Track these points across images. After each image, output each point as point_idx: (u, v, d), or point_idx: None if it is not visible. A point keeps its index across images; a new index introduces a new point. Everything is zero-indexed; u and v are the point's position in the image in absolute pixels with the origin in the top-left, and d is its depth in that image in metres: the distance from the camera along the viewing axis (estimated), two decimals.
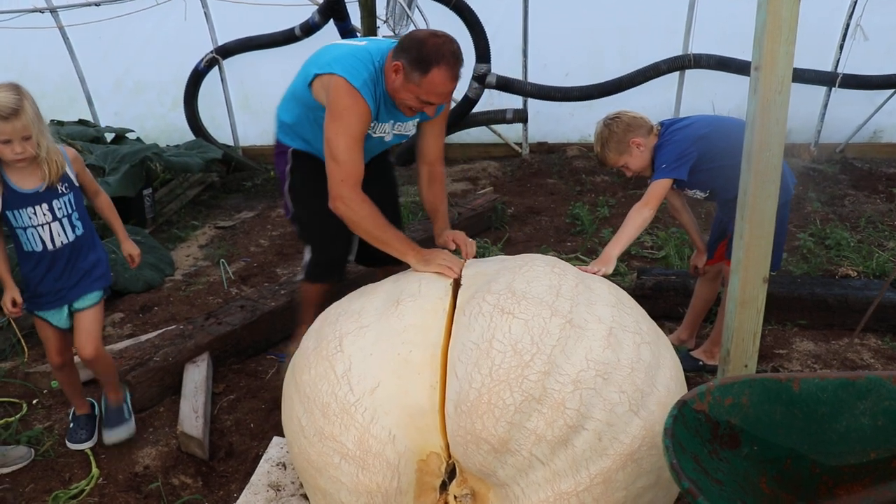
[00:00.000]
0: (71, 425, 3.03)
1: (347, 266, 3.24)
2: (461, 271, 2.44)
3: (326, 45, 2.84)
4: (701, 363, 3.32)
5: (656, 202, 2.87)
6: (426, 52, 2.51)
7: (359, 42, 2.76)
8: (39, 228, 2.66)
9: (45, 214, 2.66)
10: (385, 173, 3.25)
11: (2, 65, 6.75)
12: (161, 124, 7.01)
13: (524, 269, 2.24)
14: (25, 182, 2.62)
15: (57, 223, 2.69)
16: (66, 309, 2.80)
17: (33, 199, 2.64)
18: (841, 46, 6.16)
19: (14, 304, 2.68)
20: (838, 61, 6.27)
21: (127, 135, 6.30)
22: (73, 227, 2.74)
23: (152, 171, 5.22)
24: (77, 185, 2.77)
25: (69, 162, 2.74)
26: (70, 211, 2.72)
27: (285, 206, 3.12)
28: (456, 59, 2.54)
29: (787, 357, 3.46)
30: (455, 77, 2.57)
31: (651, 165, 3.03)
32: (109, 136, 6.24)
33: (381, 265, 3.23)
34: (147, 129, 6.87)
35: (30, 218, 2.64)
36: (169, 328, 3.55)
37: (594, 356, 1.98)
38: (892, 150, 6.68)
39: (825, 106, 6.52)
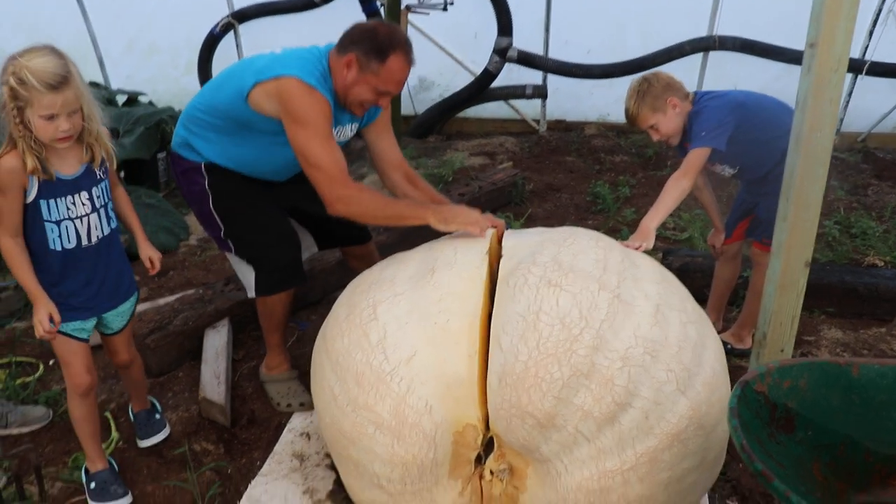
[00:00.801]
0: (92, 486, 2.46)
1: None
2: (491, 233, 2.38)
3: (245, 58, 2.62)
4: (729, 346, 3.26)
5: (695, 172, 2.77)
6: (381, 40, 2.41)
7: (283, 49, 2.56)
8: (77, 221, 2.24)
9: (84, 204, 2.24)
10: None
11: (12, 24, 6.62)
12: (174, 88, 6.88)
13: (569, 241, 2.17)
14: (63, 165, 2.19)
15: (95, 214, 2.28)
16: (94, 320, 2.41)
17: (73, 185, 2.22)
18: (871, 33, 6.06)
19: (51, 320, 2.21)
20: (866, 48, 6.17)
21: (139, 98, 6.20)
22: (108, 218, 2.34)
23: (167, 134, 5.12)
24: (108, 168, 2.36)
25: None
26: (107, 200, 2.33)
27: (211, 226, 2.79)
28: (409, 44, 2.46)
29: (816, 344, 3.41)
30: (410, 63, 2.47)
31: (680, 133, 2.94)
32: (121, 99, 6.14)
33: (342, 245, 3.13)
34: (159, 92, 6.75)
35: (68, 209, 2.21)
36: (187, 292, 3.49)
37: (642, 333, 1.92)
38: None
39: (850, 94, 6.43)
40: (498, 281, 2.11)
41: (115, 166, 2.39)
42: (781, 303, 2.65)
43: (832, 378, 1.77)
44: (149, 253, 2.53)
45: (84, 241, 2.27)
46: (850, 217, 4.80)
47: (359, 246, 3.09)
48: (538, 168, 5.76)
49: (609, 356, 1.86)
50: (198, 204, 2.76)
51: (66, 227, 2.23)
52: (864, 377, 1.78)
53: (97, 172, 2.28)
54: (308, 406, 2.83)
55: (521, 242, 2.26)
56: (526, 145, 6.30)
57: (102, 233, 2.32)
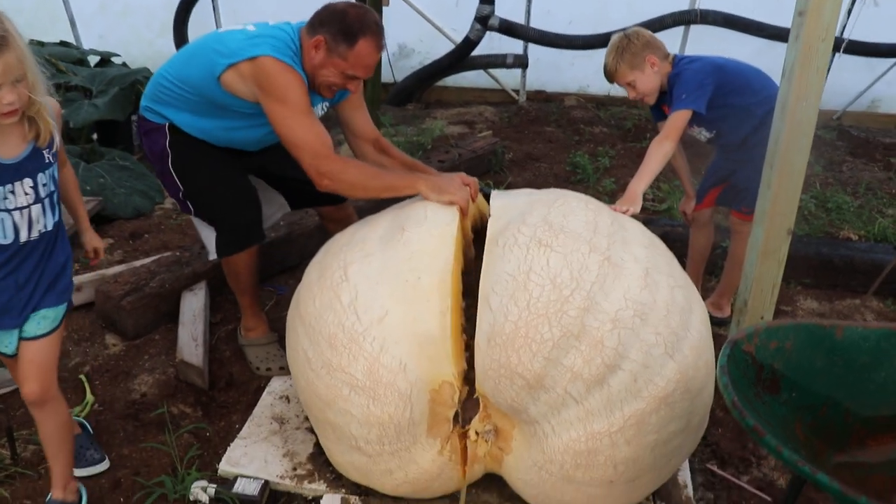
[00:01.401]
0: None
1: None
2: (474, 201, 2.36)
3: (213, 32, 2.56)
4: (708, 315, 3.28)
5: (676, 134, 2.76)
6: (350, 23, 2.36)
7: (255, 26, 2.49)
8: (16, 213, 1.86)
9: (26, 193, 1.87)
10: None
11: None
12: (148, 51, 6.71)
13: (559, 202, 2.16)
14: (4, 146, 1.83)
15: (39, 205, 1.90)
16: (16, 333, 1.99)
17: (14, 171, 1.84)
18: (849, 11, 6.08)
19: None
20: (845, 26, 6.19)
21: (112, 59, 6.04)
22: (53, 209, 1.96)
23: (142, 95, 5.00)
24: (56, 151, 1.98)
25: (52, 118, 1.93)
26: (53, 188, 1.95)
27: (171, 186, 2.73)
28: (380, 28, 2.42)
29: (792, 314, 3.45)
30: (380, 48, 2.43)
31: (657, 93, 2.94)
32: (93, 60, 5.97)
33: (314, 205, 3.08)
34: (133, 54, 6.56)
35: (5, 198, 1.84)
36: (164, 255, 3.43)
37: (632, 296, 1.92)
38: (889, 121, 6.66)
39: (827, 71, 6.45)
40: (486, 241, 2.09)
41: (62, 143, 2.04)
42: (763, 270, 2.68)
43: (817, 340, 1.79)
44: (94, 243, 2.27)
45: (23, 237, 1.91)
46: (826, 192, 4.85)
47: (335, 208, 3.04)
48: (517, 138, 5.74)
49: (599, 318, 1.86)
50: (158, 163, 2.71)
51: (2, 219, 1.86)
52: (847, 339, 1.81)
53: (45, 155, 1.91)
54: (287, 370, 2.80)
55: (510, 203, 2.25)
56: (505, 115, 6.27)
57: (46, 227, 1.95)
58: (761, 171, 2.80)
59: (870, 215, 4.51)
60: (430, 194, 2.33)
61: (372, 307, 2.00)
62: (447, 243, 2.10)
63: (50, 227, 1.96)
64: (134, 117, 5.05)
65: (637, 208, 2.49)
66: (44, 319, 2.00)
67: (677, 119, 2.78)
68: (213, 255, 2.80)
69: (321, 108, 2.68)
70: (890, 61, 6.31)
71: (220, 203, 2.70)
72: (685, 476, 2.33)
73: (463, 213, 2.26)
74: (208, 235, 2.78)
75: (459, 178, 2.44)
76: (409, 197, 2.44)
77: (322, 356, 2.04)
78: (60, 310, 2.04)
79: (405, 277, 2.03)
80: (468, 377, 2.03)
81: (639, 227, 2.24)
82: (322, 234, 3.55)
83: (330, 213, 3.08)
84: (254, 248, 2.78)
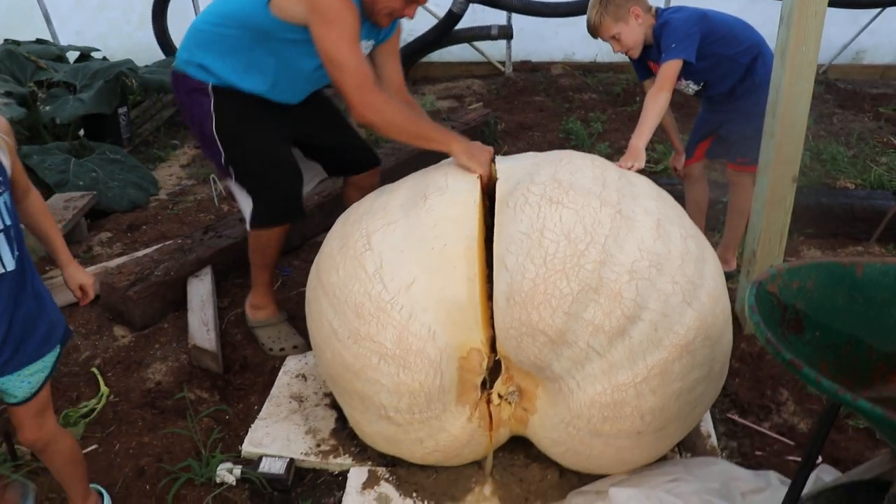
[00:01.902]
0: None
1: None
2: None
3: None
4: None
5: (670, 85, 2.75)
6: None
7: None
8: None
9: None
10: (330, 105, 2.90)
11: None
12: (127, 44, 6.63)
13: (564, 161, 2.15)
14: None
15: None
16: None
17: None
18: None
19: None
20: None
21: (92, 54, 5.96)
22: (11, 246, 1.66)
23: (127, 87, 4.94)
24: (9, 176, 1.69)
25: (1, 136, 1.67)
26: (9, 222, 1.65)
27: (211, 150, 2.65)
28: None
29: None
30: None
31: (642, 45, 2.93)
32: (72, 56, 5.89)
33: (350, 173, 3.03)
34: (112, 48, 6.49)
35: None
36: (166, 243, 3.40)
37: (646, 247, 1.92)
38: (875, 71, 6.67)
39: None
40: (496, 202, 2.08)
41: (20, 168, 1.77)
42: (770, 219, 2.69)
43: (837, 278, 1.79)
44: (79, 279, 1.95)
45: None
46: (819, 144, 4.86)
47: (365, 174, 2.98)
48: (508, 108, 5.71)
49: (616, 270, 1.85)
50: (198, 126, 2.63)
51: None
52: (867, 276, 1.80)
53: None
54: (301, 348, 2.79)
55: (516, 165, 2.24)
56: (493, 87, 6.24)
57: (3, 267, 1.65)
58: (751, 121, 2.80)
59: (864, 164, 4.53)
60: (462, 156, 2.30)
61: (398, 275, 1.99)
62: (471, 210, 2.09)
63: (9, 269, 1.66)
64: (121, 110, 5.00)
65: (641, 163, 2.48)
66: (32, 376, 1.77)
67: (669, 69, 2.77)
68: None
69: (366, 46, 2.60)
70: (873, 12, 6.30)
71: (263, 173, 2.65)
72: (708, 426, 2.35)
73: (483, 181, 2.24)
74: (247, 204, 2.72)
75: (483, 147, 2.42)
76: (434, 160, 2.40)
77: (349, 326, 2.02)
78: (49, 359, 1.80)
79: (430, 245, 2.02)
80: (493, 344, 2.02)
81: (646, 181, 2.24)
82: (322, 214, 3.56)
83: (359, 180, 3.01)
84: (287, 228, 2.75)
